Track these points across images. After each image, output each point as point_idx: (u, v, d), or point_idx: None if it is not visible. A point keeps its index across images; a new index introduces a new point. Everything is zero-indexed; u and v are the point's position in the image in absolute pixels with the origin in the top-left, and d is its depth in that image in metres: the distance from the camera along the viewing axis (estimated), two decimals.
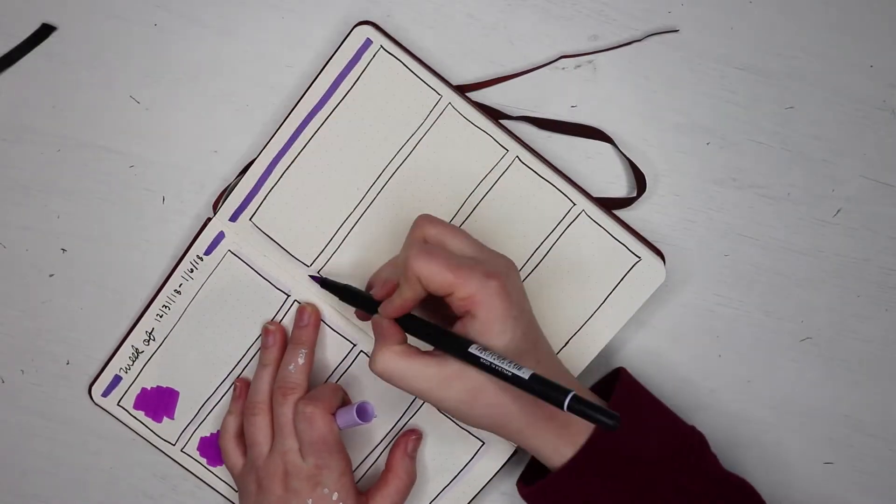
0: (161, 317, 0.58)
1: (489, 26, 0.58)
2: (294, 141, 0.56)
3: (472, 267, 0.48)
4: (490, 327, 0.47)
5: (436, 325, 0.50)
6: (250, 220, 0.57)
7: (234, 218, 0.57)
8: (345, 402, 0.56)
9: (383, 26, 0.56)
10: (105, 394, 0.59)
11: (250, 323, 0.58)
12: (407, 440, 0.57)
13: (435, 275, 0.47)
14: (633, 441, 0.51)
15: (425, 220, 0.50)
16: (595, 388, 0.56)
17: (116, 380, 0.59)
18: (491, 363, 0.46)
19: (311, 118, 0.56)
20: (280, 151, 0.56)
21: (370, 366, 0.50)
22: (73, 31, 0.58)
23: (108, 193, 0.59)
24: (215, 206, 0.58)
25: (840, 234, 0.58)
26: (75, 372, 0.60)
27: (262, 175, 0.56)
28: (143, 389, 0.59)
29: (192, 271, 0.57)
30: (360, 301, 0.54)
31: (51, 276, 0.60)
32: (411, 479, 0.57)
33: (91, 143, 0.59)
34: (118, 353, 0.58)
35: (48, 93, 0.58)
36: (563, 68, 0.58)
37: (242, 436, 0.57)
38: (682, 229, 0.58)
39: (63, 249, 0.59)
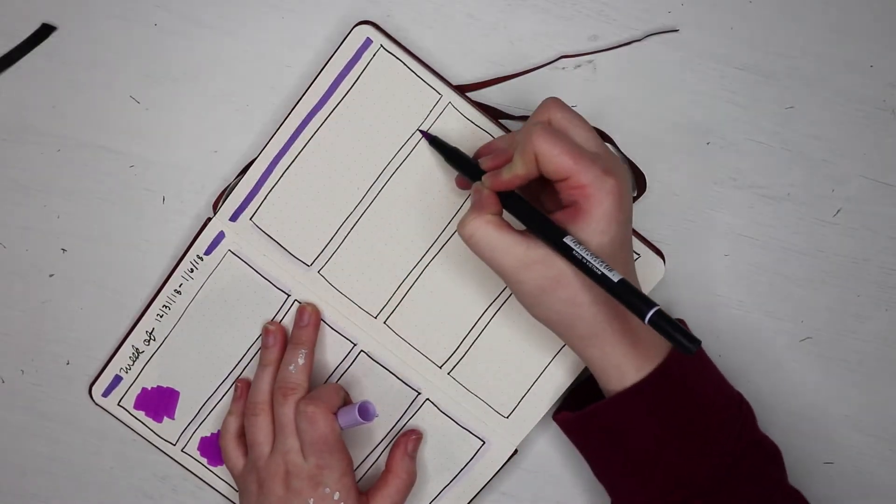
0: (161, 317, 0.58)
1: (489, 26, 0.58)
2: (294, 141, 0.56)
3: (593, 159, 0.47)
4: (594, 223, 0.46)
5: (535, 208, 0.49)
6: (250, 219, 0.57)
7: (234, 218, 0.57)
8: (346, 401, 0.56)
9: (383, 26, 0.56)
10: (105, 394, 0.59)
11: (251, 323, 0.58)
12: (407, 440, 0.57)
13: (555, 156, 0.46)
14: (696, 382, 0.50)
15: (554, 102, 0.49)
16: None
17: (117, 380, 0.59)
18: (583, 257, 0.46)
19: (311, 118, 0.56)
20: (280, 151, 0.56)
21: (459, 228, 0.49)
22: (73, 31, 0.58)
23: (108, 193, 0.59)
24: (215, 206, 0.58)
25: (840, 234, 0.58)
26: (75, 372, 0.60)
27: (263, 175, 0.56)
28: (144, 389, 0.59)
29: (192, 271, 0.57)
30: (466, 166, 0.53)
31: (51, 276, 0.60)
32: (411, 479, 0.57)
33: (91, 143, 0.59)
34: (118, 353, 0.58)
35: (48, 93, 0.58)
36: (563, 68, 0.58)
37: (243, 436, 0.57)
38: (682, 229, 0.58)
39: (63, 249, 0.59)
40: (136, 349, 0.58)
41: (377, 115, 0.56)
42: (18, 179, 0.59)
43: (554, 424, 0.59)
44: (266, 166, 0.56)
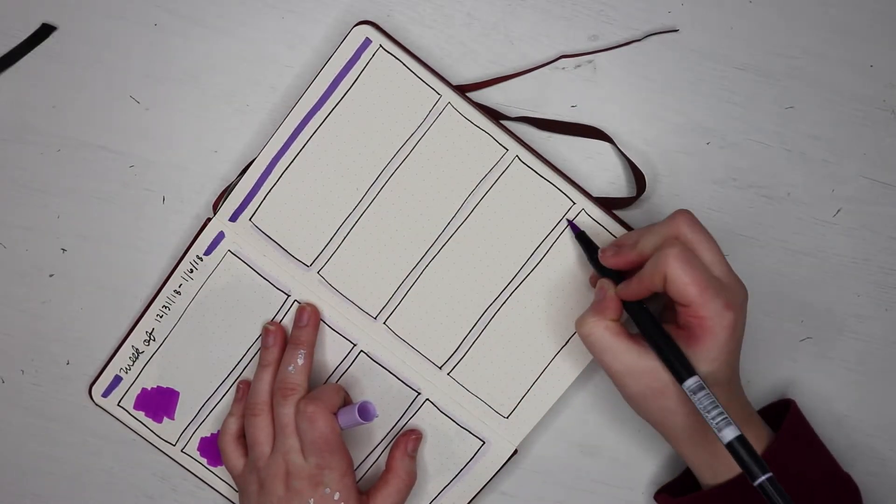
0: (161, 317, 0.58)
1: (489, 26, 0.58)
2: (293, 141, 0.56)
3: (718, 291, 0.48)
4: (706, 352, 0.48)
5: (660, 325, 0.50)
6: (250, 220, 0.57)
7: (233, 218, 0.57)
8: (346, 401, 0.56)
9: (383, 26, 0.56)
10: (105, 394, 0.59)
11: (250, 323, 0.58)
12: (407, 440, 0.57)
13: (685, 285, 0.47)
14: (799, 466, 0.51)
15: (686, 217, 0.50)
16: (761, 412, 0.56)
17: (117, 380, 0.59)
18: (705, 406, 0.47)
19: (311, 118, 0.56)
20: (279, 151, 0.56)
21: (578, 324, 0.51)
22: (73, 31, 0.58)
23: (108, 193, 0.59)
24: (215, 207, 0.58)
25: (840, 234, 0.58)
26: (75, 372, 0.60)
27: (262, 175, 0.56)
28: (144, 390, 0.59)
29: (191, 272, 0.57)
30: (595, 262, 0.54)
31: (51, 276, 0.60)
32: (412, 479, 0.57)
33: (91, 143, 0.59)
34: (118, 353, 0.58)
35: (48, 93, 0.58)
36: (563, 68, 0.58)
37: (242, 437, 0.57)
38: None
39: (63, 249, 0.59)
40: (136, 349, 0.58)
41: (376, 116, 0.56)
42: (18, 179, 0.59)
43: (551, 425, 0.59)
44: (265, 166, 0.56)
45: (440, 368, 0.58)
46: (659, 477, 0.59)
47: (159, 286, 0.58)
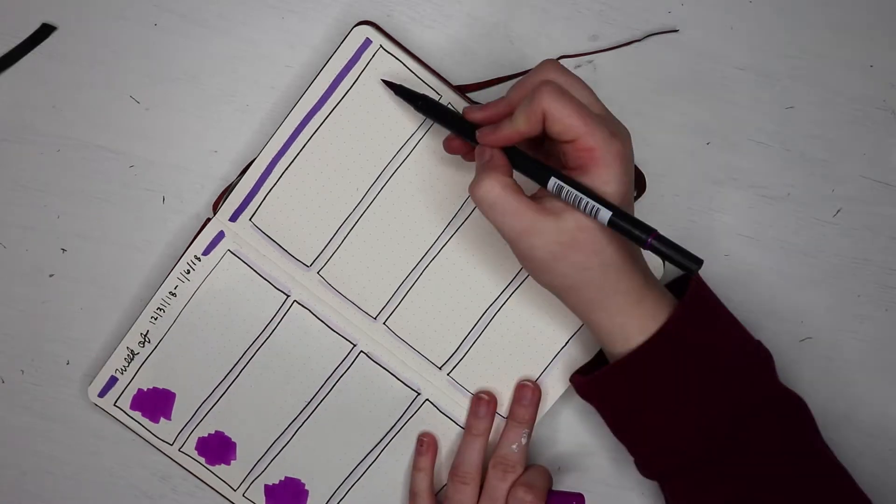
0: (156, 319, 0.58)
1: (489, 26, 0.58)
2: (293, 141, 0.56)
3: (601, 121, 0.46)
4: (600, 182, 0.46)
5: (536, 159, 0.48)
6: (250, 220, 0.57)
7: (233, 218, 0.57)
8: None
9: (383, 26, 0.56)
10: (101, 394, 0.59)
11: (249, 323, 0.58)
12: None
13: (565, 116, 0.45)
14: (703, 336, 0.50)
15: (552, 64, 0.48)
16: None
17: (112, 380, 0.59)
18: (579, 193, 0.45)
19: (311, 118, 0.56)
20: (279, 151, 0.56)
21: (471, 189, 0.47)
22: (73, 31, 0.58)
23: (108, 193, 0.59)
24: (215, 207, 0.58)
25: (840, 234, 0.58)
26: (75, 372, 0.60)
27: (262, 175, 0.56)
28: (140, 391, 0.59)
29: (188, 272, 0.57)
30: (455, 123, 0.51)
31: (51, 276, 0.60)
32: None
33: (91, 143, 0.59)
34: (114, 354, 0.58)
35: (48, 93, 0.58)
36: None
37: (434, 493, 0.58)
38: (682, 229, 0.58)
39: (63, 249, 0.59)
40: (132, 351, 0.58)
41: (377, 116, 0.56)
42: (18, 179, 0.59)
43: (551, 425, 0.59)
44: (265, 166, 0.56)
45: (440, 369, 0.58)
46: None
47: (159, 286, 0.58)
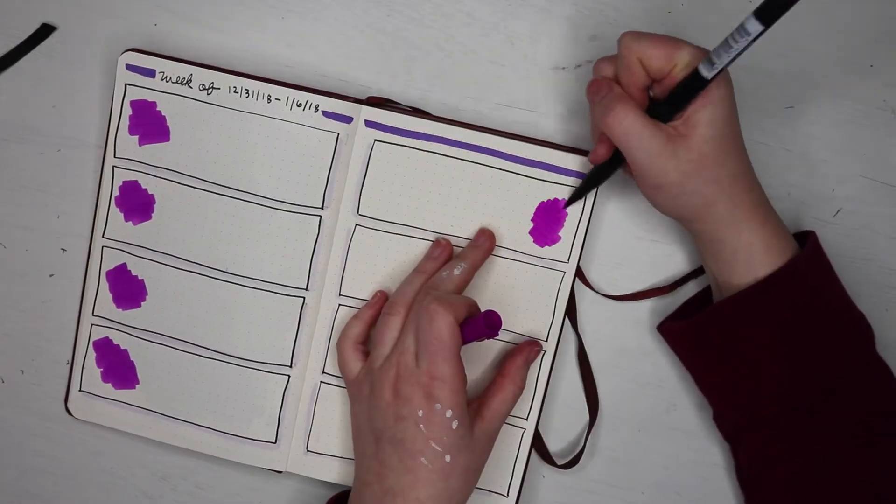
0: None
1: (489, 26, 0.58)
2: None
3: (686, 42, 0.49)
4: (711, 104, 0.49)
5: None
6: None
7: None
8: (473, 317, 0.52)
9: (383, 26, 0.56)
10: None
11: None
12: (529, 350, 0.55)
13: (652, 47, 0.48)
14: (823, 284, 0.51)
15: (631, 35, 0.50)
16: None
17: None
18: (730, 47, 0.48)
19: None
20: None
21: (603, 117, 0.48)
22: (73, 31, 0.58)
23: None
24: None
25: (840, 234, 0.58)
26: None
27: None
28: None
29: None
30: (601, 172, 0.53)
31: (51, 276, 0.60)
32: (522, 390, 0.54)
33: (91, 143, 0.59)
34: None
35: (48, 93, 0.58)
36: (564, 68, 0.58)
37: (362, 343, 0.55)
38: (682, 229, 0.58)
39: (63, 249, 0.59)
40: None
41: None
42: (18, 179, 0.59)
43: (551, 424, 0.59)
44: None
45: None
46: (659, 476, 0.59)
47: None
